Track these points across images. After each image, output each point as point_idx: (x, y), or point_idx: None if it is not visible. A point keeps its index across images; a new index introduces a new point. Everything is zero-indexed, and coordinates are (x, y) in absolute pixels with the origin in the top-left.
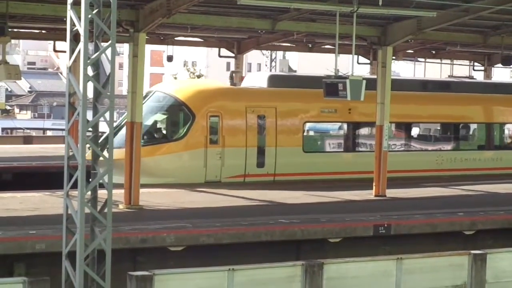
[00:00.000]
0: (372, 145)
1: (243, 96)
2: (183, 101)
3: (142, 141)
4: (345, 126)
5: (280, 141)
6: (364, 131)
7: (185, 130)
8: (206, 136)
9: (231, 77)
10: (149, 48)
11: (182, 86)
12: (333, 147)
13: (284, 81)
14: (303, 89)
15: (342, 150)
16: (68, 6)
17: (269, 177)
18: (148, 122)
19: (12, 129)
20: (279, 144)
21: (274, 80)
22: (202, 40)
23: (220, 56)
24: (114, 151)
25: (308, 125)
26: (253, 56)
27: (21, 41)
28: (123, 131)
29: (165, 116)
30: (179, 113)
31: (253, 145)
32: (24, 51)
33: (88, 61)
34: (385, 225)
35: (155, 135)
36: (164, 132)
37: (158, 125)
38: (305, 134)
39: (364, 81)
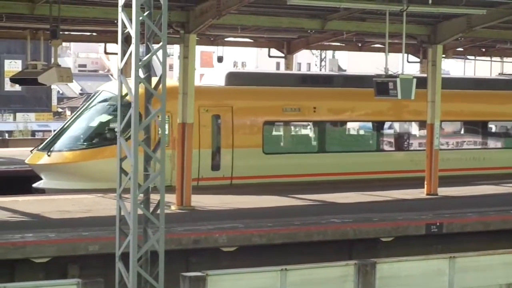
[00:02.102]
0: (342, 144)
1: (196, 95)
2: (130, 101)
3: (86, 143)
4: (310, 125)
5: (237, 142)
6: (332, 130)
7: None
8: (154, 137)
9: None
10: (199, 49)
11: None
12: (298, 148)
13: (243, 79)
14: (263, 87)
15: (307, 151)
16: (119, 9)
17: (225, 181)
18: (94, 123)
19: None
20: (236, 145)
21: (233, 78)
22: (252, 40)
23: (270, 56)
24: (54, 155)
25: (269, 125)
26: (303, 56)
27: (72, 43)
28: (70, 133)
29: (111, 117)
30: (125, 114)
31: (207, 147)
32: (75, 53)
33: (140, 63)
34: (438, 224)
35: (101, 137)
36: (110, 134)
37: (104, 127)
38: (265, 134)
39: (415, 80)
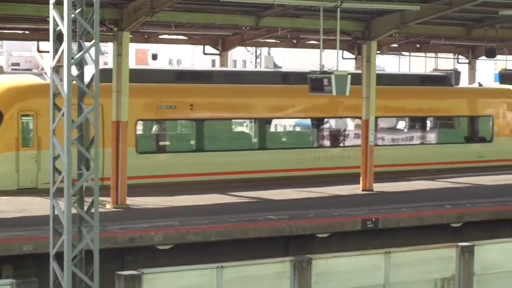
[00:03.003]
0: (222, 142)
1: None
2: None
3: None
4: (187, 123)
5: (108, 142)
6: (211, 128)
7: None
8: (17, 138)
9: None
10: (133, 47)
11: None
12: (174, 147)
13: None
14: (136, 84)
15: (185, 150)
16: (51, 6)
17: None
18: None
19: None
20: (106, 145)
21: (105, 75)
22: (186, 38)
23: (205, 54)
24: None
25: (142, 123)
26: (238, 53)
27: (4, 42)
28: None
29: None
30: None
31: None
32: (7, 52)
33: (72, 61)
34: (373, 219)
35: None
36: None
37: None
38: (138, 133)
39: (350, 76)
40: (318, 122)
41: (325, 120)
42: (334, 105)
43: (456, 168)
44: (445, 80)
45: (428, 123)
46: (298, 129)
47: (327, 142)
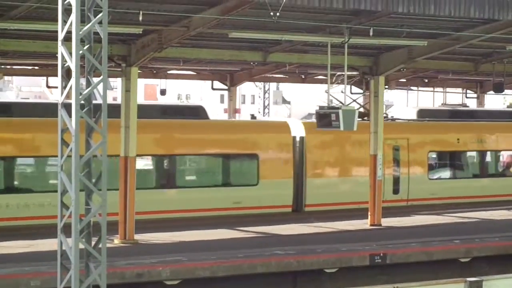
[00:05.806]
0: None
1: None
2: None
3: None
4: None
5: None
6: None
7: None
8: None
9: None
10: (142, 82)
11: None
12: None
13: None
14: None
15: None
16: (59, 43)
17: None
18: None
19: None
20: None
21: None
22: (195, 73)
23: (213, 89)
24: None
25: None
26: (247, 88)
27: (14, 77)
28: None
29: None
30: None
31: None
32: (17, 87)
33: (80, 97)
34: (381, 254)
35: None
36: None
37: None
38: None
39: (357, 112)
40: None
41: None
42: None
43: (208, 217)
44: (197, 111)
45: (168, 163)
46: None
47: None
